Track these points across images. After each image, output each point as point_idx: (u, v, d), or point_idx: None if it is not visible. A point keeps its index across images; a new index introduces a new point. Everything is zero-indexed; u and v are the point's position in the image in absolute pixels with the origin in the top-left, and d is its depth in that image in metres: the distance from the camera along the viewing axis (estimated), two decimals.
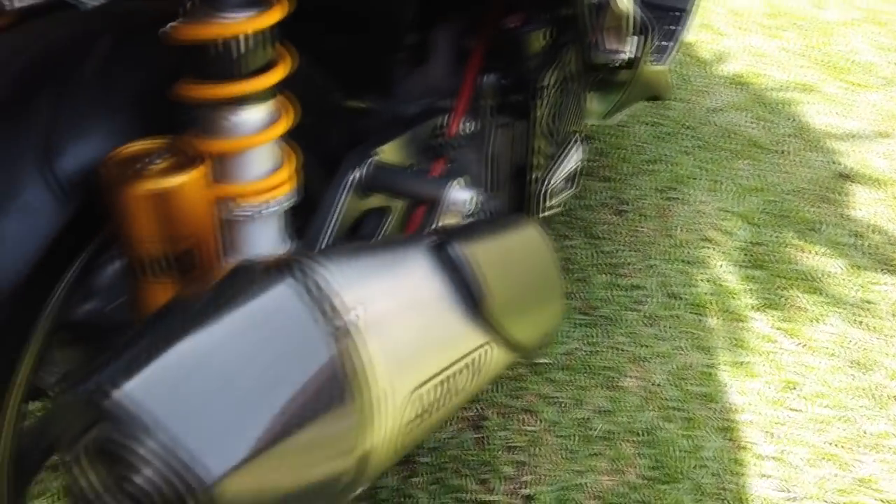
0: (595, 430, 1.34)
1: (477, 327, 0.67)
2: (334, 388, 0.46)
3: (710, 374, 1.47)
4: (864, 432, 1.37)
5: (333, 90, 0.97)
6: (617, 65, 1.14)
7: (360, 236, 0.90)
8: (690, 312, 1.60)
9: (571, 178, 1.26)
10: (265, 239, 0.68)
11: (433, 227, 0.85)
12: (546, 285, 0.87)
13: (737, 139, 2.17)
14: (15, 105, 0.59)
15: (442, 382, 0.58)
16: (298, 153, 0.72)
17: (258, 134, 0.64)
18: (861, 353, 1.52)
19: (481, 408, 1.37)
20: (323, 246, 0.80)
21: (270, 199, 0.67)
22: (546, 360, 1.47)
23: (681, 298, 1.63)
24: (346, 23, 0.98)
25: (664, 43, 1.58)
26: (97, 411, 0.42)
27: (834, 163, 2.09)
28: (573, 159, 1.23)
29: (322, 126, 0.94)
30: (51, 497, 1.17)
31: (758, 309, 1.62)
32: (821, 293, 1.66)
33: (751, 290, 1.67)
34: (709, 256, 1.76)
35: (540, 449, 1.31)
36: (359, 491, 0.53)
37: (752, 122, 2.25)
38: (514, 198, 1.14)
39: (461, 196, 0.86)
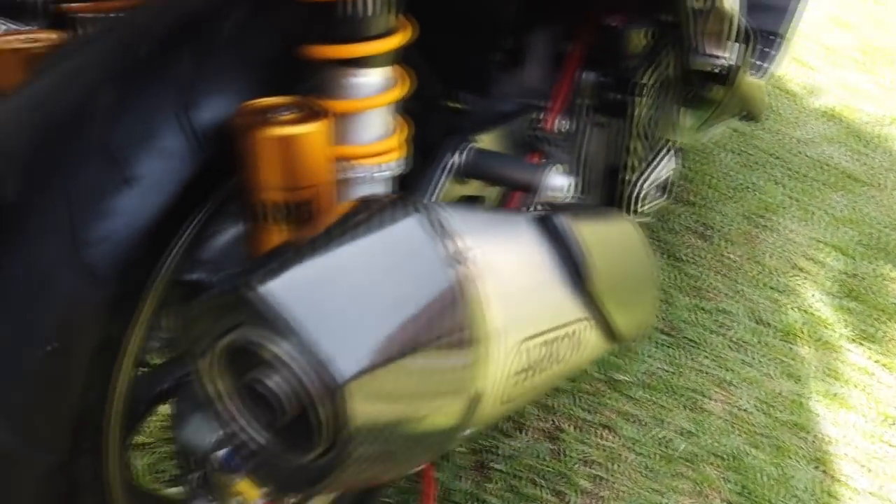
0: (677, 450, 1.29)
1: (578, 300, 0.66)
2: (455, 314, 0.47)
3: (802, 403, 1.40)
4: None
5: (436, 82, 0.99)
6: (716, 71, 1.13)
7: None
8: (780, 340, 1.53)
9: (663, 187, 1.24)
10: None
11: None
12: (642, 277, 0.85)
13: (829, 171, 2.09)
14: (159, 61, 0.63)
15: (546, 343, 0.58)
16: (410, 125, 0.74)
17: (376, 97, 0.66)
18: None
19: (558, 420, 1.34)
20: None
21: (382, 164, 0.68)
22: (626, 378, 1.43)
23: (770, 325, 1.57)
24: (451, 20, 1.00)
25: (759, 62, 1.55)
26: (243, 304, 0.44)
27: None
28: (666, 167, 1.21)
29: (423, 115, 0.96)
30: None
31: (853, 340, 1.54)
32: None
33: (845, 321, 1.59)
34: (800, 285, 1.69)
35: (618, 465, 1.27)
36: (466, 434, 0.52)
37: (845, 155, 2.17)
38: (606, 200, 1.12)
39: (560, 182, 0.85)
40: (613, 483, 1.23)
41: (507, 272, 0.55)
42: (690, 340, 1.52)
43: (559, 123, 1.05)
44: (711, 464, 1.27)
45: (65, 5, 0.83)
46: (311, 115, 0.61)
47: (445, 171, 0.89)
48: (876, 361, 1.49)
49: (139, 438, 1.19)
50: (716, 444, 1.30)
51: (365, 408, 0.43)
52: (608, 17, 1.03)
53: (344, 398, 0.43)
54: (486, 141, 0.98)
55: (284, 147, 0.59)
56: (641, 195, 1.13)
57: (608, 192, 1.11)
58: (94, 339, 0.60)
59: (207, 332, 0.48)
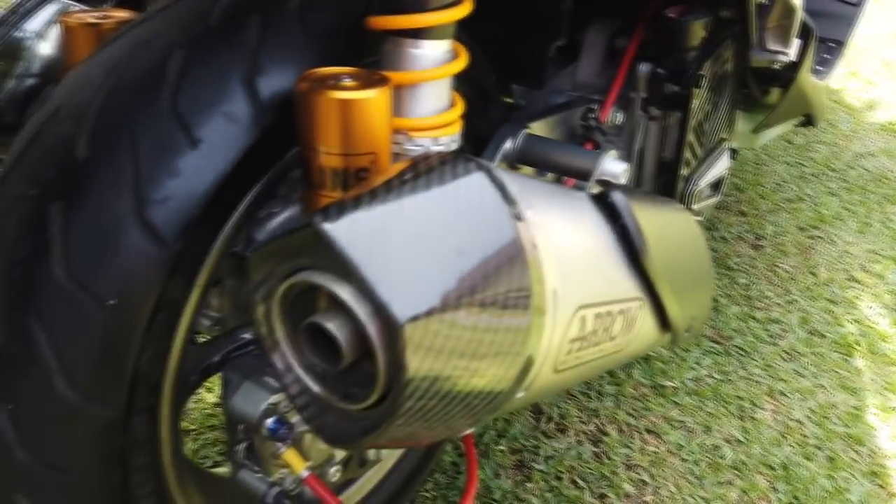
0: (725, 458, 1.25)
1: (634, 278, 0.65)
2: (516, 269, 0.46)
3: (857, 415, 1.35)
4: None
5: (491, 73, 0.99)
6: (777, 67, 1.10)
7: None
8: (835, 352, 1.49)
9: (716, 186, 1.21)
10: None
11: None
12: (698, 268, 0.83)
13: (889, 184, 2.03)
14: (226, 30, 0.64)
15: (601, 315, 0.56)
16: (465, 101, 0.74)
17: (435, 68, 0.67)
18: None
19: (601, 423, 1.31)
20: None
21: (439, 137, 0.68)
22: (672, 384, 1.40)
23: (824, 336, 1.52)
24: (509, 14, 1.00)
25: (819, 68, 1.52)
26: (313, 240, 0.44)
27: None
28: (720, 166, 1.19)
29: (477, 104, 0.96)
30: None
31: None
32: None
33: None
34: (856, 297, 1.64)
35: (663, 471, 1.23)
36: (516, 401, 0.51)
37: None
38: (659, 195, 1.11)
39: (616, 167, 0.84)
40: (658, 488, 1.20)
41: (566, 238, 0.54)
42: (740, 349, 1.48)
43: (613, 116, 1.04)
44: (761, 473, 1.23)
45: None
46: (373, 83, 0.62)
47: (499, 157, 0.89)
48: None
49: (184, 424, 1.21)
50: (766, 454, 1.26)
51: (421, 356, 0.43)
52: (667, 9, 1.02)
53: (402, 339, 0.42)
54: (540, 129, 0.97)
55: (345, 111, 0.60)
56: (695, 192, 1.11)
57: (661, 186, 1.10)
58: (153, 298, 0.61)
59: (270, 276, 0.48)
